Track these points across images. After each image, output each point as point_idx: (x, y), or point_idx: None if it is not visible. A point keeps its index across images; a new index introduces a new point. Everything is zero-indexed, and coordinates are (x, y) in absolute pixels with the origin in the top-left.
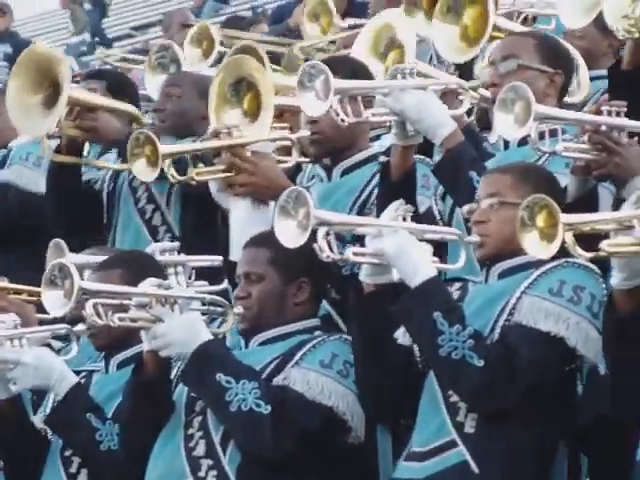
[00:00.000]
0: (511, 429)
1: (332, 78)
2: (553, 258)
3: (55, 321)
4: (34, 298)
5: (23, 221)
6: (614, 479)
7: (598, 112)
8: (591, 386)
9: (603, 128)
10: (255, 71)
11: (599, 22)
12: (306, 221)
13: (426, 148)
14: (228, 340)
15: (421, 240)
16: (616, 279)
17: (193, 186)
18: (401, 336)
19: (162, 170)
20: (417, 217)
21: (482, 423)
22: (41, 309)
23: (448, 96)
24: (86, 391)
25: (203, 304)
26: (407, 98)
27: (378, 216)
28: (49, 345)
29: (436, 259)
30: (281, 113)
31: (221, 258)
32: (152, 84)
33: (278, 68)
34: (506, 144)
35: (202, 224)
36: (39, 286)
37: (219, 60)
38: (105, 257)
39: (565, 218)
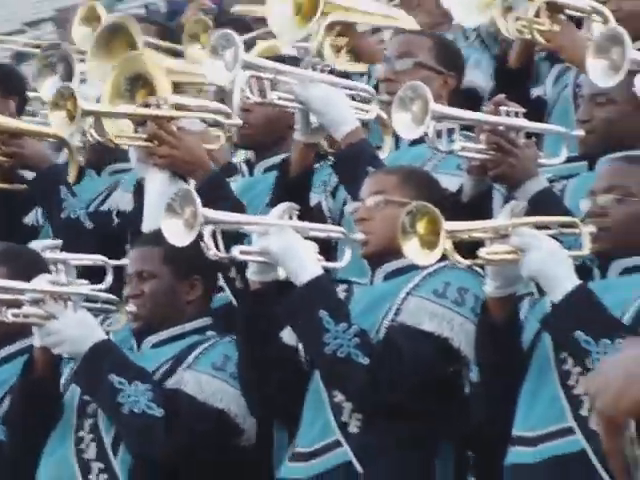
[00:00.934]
0: (394, 429)
1: (242, 52)
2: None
3: None
4: None
5: None
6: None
7: (496, 111)
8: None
9: (501, 129)
10: (152, 69)
11: None
12: (193, 219)
13: None
14: (112, 337)
15: (307, 238)
16: (490, 287)
17: None
18: (287, 335)
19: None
20: (307, 213)
21: (366, 423)
22: None
23: None
24: None
25: (96, 302)
26: (315, 89)
27: (271, 209)
28: None
29: (321, 257)
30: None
31: (102, 257)
32: (42, 85)
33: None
34: (397, 144)
35: None
36: None
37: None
38: None
39: (446, 226)
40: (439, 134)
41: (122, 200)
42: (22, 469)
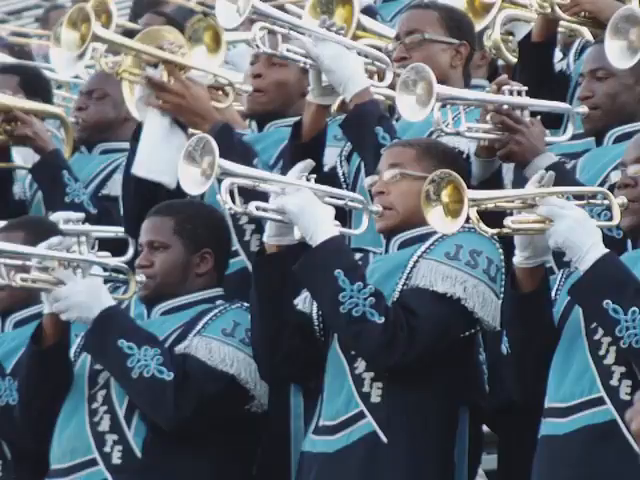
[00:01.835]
0: (414, 396)
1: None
2: None
3: None
4: None
5: None
6: (522, 457)
7: (499, 91)
8: (497, 370)
9: (505, 107)
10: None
11: None
12: (210, 170)
13: None
14: (132, 310)
15: (324, 203)
16: (518, 257)
17: None
18: (301, 303)
19: None
20: (321, 177)
21: (387, 392)
22: None
23: None
24: None
25: (106, 270)
26: (326, 46)
27: (284, 173)
28: None
29: (338, 222)
30: None
31: (123, 229)
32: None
33: None
34: None
35: None
36: None
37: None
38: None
39: (470, 194)
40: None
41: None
42: (35, 438)
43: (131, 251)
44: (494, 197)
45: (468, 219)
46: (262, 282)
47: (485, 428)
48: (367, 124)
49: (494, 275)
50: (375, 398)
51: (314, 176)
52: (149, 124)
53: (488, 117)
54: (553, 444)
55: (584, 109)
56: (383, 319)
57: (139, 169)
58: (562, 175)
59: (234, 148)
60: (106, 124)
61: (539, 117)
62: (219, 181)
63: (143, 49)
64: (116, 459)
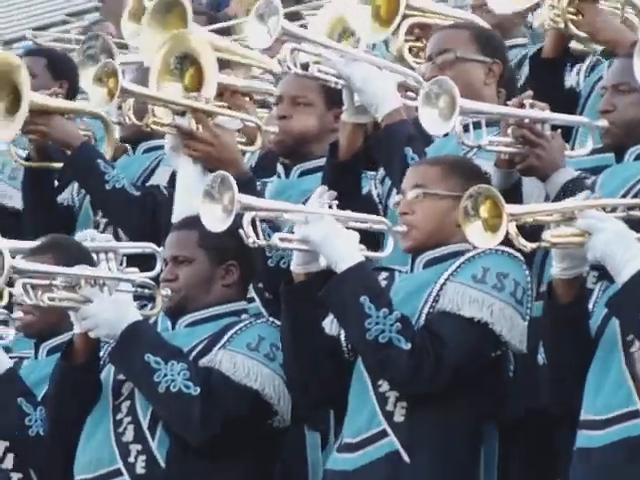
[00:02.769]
0: (439, 416)
1: (284, 20)
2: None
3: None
4: None
5: None
6: (544, 470)
7: (521, 105)
8: (520, 380)
9: (526, 121)
10: (198, 46)
11: None
12: (231, 205)
13: None
14: (159, 325)
15: (348, 228)
16: (556, 269)
17: None
18: (328, 325)
19: None
20: (357, 200)
21: (411, 411)
22: None
23: None
24: (19, 376)
25: (132, 286)
26: (358, 66)
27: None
28: None
29: (363, 247)
30: (221, 92)
31: (152, 245)
32: (84, 76)
33: None
34: None
35: None
36: None
37: None
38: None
39: (509, 209)
40: (466, 128)
41: (165, 175)
42: (58, 451)
43: (159, 266)
44: (533, 211)
45: (507, 234)
46: (292, 311)
47: None
48: (396, 144)
49: (521, 298)
50: (399, 417)
51: (336, 202)
52: (182, 172)
53: (509, 130)
54: (589, 456)
55: (604, 123)
56: (410, 345)
57: (177, 217)
58: (582, 190)
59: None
60: None
61: (559, 131)
62: (240, 216)
63: (170, 100)
64: (140, 469)
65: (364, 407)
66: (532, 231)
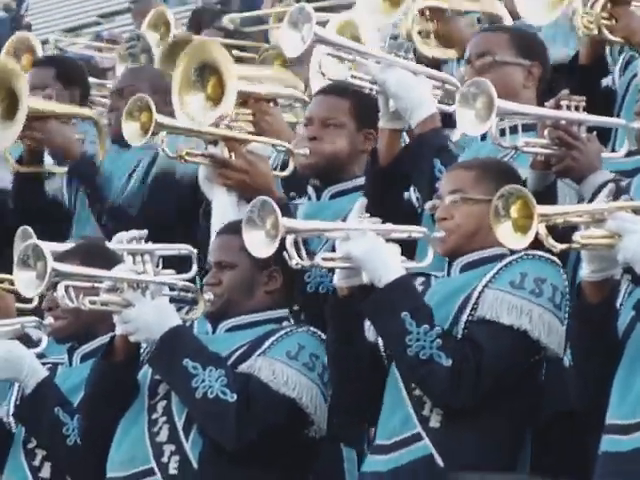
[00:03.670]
0: (477, 423)
1: (318, 27)
2: (512, 251)
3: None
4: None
5: None
6: (575, 471)
7: (558, 106)
8: (551, 381)
9: (563, 123)
10: (218, 55)
11: None
12: (275, 230)
13: None
14: (195, 327)
15: (388, 240)
16: (585, 271)
17: None
18: (366, 331)
19: None
20: (399, 206)
21: (447, 418)
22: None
23: None
24: (56, 385)
25: (174, 290)
26: (393, 71)
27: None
28: (25, 337)
29: (404, 258)
30: (245, 101)
31: (188, 247)
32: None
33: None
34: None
35: None
36: None
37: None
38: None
39: (540, 209)
40: (502, 132)
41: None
42: (93, 455)
43: (195, 267)
44: (563, 212)
45: (537, 234)
46: (337, 326)
47: None
48: (425, 154)
49: (559, 302)
50: (434, 423)
51: (367, 215)
52: (217, 202)
53: (545, 132)
54: (614, 461)
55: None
56: (450, 361)
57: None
58: (619, 193)
59: None
60: None
61: (595, 133)
62: (282, 240)
63: (203, 130)
64: (173, 469)
65: (398, 410)
66: (563, 233)
